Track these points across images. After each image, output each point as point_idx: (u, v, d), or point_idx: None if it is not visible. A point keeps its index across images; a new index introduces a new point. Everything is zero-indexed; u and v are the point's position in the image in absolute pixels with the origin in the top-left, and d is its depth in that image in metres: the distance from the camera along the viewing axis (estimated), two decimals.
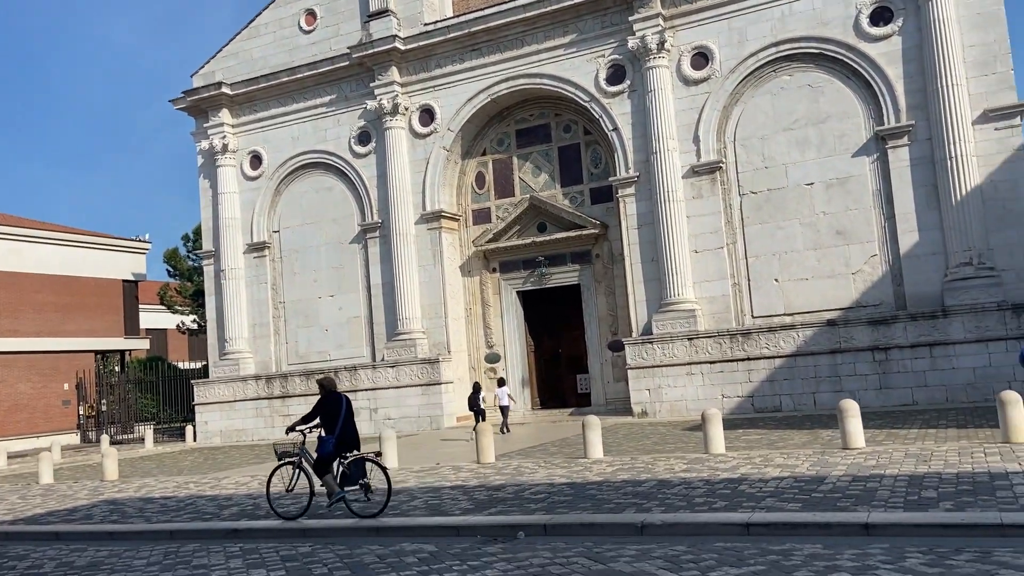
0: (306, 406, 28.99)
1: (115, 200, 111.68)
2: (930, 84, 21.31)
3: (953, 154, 20.89)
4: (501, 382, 24.86)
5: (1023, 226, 20.67)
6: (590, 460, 13.85)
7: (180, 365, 43.84)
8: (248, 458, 22.31)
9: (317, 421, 11.05)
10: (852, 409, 12.41)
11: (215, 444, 29.73)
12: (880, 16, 22.21)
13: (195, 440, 30.61)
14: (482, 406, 23.44)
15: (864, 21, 22.32)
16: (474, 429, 21.19)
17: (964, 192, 20.79)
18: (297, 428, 11.23)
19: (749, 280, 23.60)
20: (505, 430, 23.21)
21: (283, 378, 29.69)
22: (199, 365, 43.12)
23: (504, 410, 23.77)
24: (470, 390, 24.62)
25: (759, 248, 23.49)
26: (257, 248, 30.82)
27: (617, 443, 17.37)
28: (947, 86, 20.95)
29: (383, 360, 28.19)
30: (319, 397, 11.24)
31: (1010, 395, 11.75)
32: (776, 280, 23.27)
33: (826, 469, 10.83)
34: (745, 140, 23.79)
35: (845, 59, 22.54)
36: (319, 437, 10.97)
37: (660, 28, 24.33)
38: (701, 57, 24.32)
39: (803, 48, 23.07)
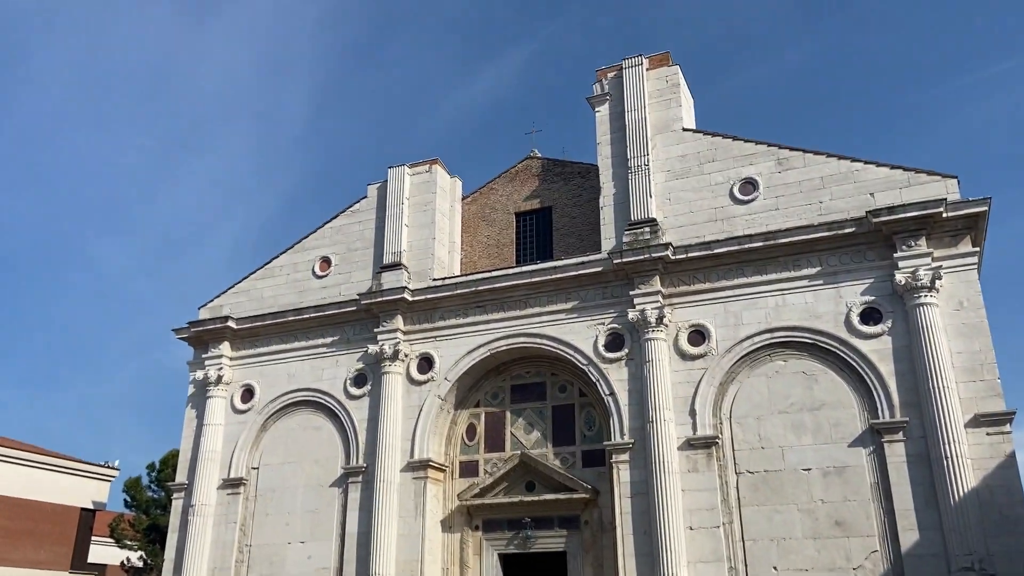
0: None
1: (78, 423, 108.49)
2: (922, 384, 22.10)
3: (948, 454, 21.16)
4: None
5: (1020, 534, 20.44)
6: None
7: None
8: None
9: None
10: None
11: None
12: (870, 316, 23.56)
13: None
14: None
15: (855, 319, 23.62)
16: None
17: (961, 494, 20.78)
18: None
19: (747, 565, 22.70)
20: None
21: None
22: None
23: None
24: None
25: (757, 531, 22.89)
26: (232, 484, 29.62)
27: None
28: (938, 388, 21.72)
29: None
30: None
31: None
32: (775, 568, 22.42)
33: None
34: (741, 418, 24.11)
35: (838, 351, 23.55)
36: None
37: (660, 304, 25.57)
38: (698, 335, 25.34)
39: (797, 337, 24.16)
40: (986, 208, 22.90)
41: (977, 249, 23.39)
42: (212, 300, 32.77)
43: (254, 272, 32.75)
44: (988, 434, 21.34)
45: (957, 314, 22.61)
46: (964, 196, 23.31)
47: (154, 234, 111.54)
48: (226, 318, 31.26)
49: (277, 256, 32.66)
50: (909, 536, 21.32)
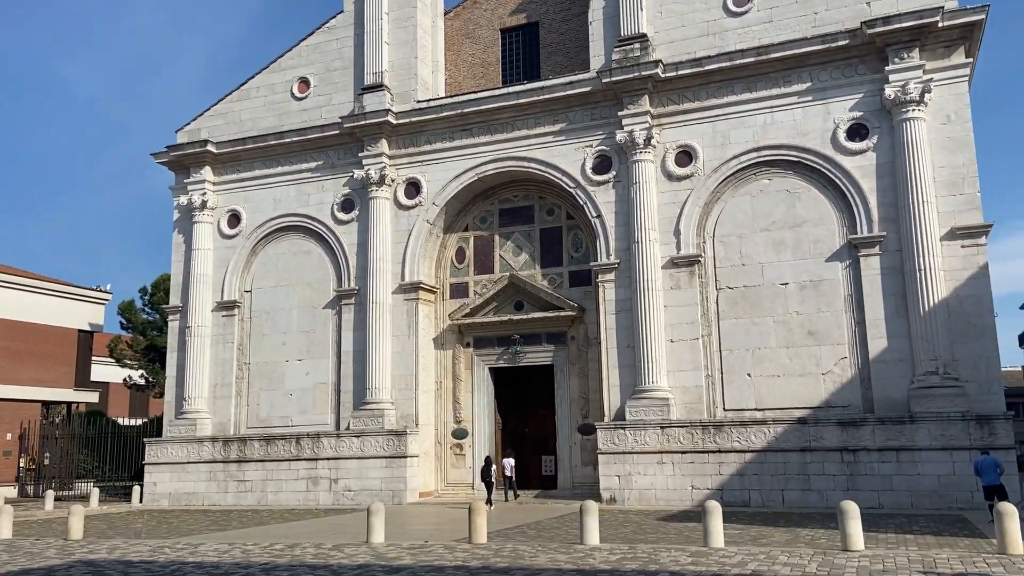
0: (263, 472, 28.37)
1: (66, 248, 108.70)
2: (902, 199, 22.57)
3: (922, 267, 21.99)
4: (508, 453, 26.42)
5: (986, 340, 21.70)
6: (588, 547, 13.77)
7: (120, 421, 42.16)
8: (204, 523, 21.47)
9: None
10: (853, 511, 12.71)
11: (163, 507, 28.49)
12: (857, 132, 23.59)
13: (141, 501, 29.30)
14: (492, 479, 24.50)
15: (841, 135, 23.66)
16: (488, 502, 23.17)
17: (931, 304, 21.81)
18: None
19: (723, 373, 24.11)
20: (515, 496, 25.96)
21: (241, 441, 28.86)
22: (140, 422, 41.56)
23: (510, 481, 25.66)
24: (481, 463, 26.17)
25: (733, 342, 24.09)
26: (227, 307, 30.35)
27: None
28: (918, 203, 22.21)
29: (348, 429, 27.71)
30: None
31: (1007, 507, 12.18)
32: (749, 375, 23.83)
33: (837, 571, 11.00)
34: (724, 237, 24.67)
35: (822, 169, 23.77)
36: None
37: (648, 125, 25.35)
38: (685, 155, 25.36)
39: (783, 155, 24.27)
40: (983, 16, 22.39)
41: (970, 60, 23.10)
42: (189, 123, 32.01)
43: (230, 94, 31.78)
44: (963, 246, 22.09)
45: (943, 128, 22.70)
46: (962, 4, 22.72)
47: (124, 53, 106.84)
48: (205, 142, 30.69)
49: (252, 77, 31.59)
50: (878, 343, 22.57)
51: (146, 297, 42.43)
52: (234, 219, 31.00)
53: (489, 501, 24.20)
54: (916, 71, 22.73)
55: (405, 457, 26.76)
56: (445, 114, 28.11)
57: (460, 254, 29.37)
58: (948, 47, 22.94)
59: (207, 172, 31.13)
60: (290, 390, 29.20)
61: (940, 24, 22.50)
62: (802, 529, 16.76)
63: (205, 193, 30.95)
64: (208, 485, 28.92)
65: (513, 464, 26.10)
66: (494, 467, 25.09)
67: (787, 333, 23.58)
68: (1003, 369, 26.95)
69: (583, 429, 26.50)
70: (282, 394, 29.30)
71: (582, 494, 25.31)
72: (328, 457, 27.63)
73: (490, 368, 28.42)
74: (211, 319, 30.41)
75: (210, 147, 30.66)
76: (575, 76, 26.80)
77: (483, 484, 24.76)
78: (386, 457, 26.91)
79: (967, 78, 23.11)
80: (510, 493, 26.10)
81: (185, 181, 31.38)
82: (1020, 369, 79.47)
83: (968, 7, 22.52)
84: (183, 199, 31.27)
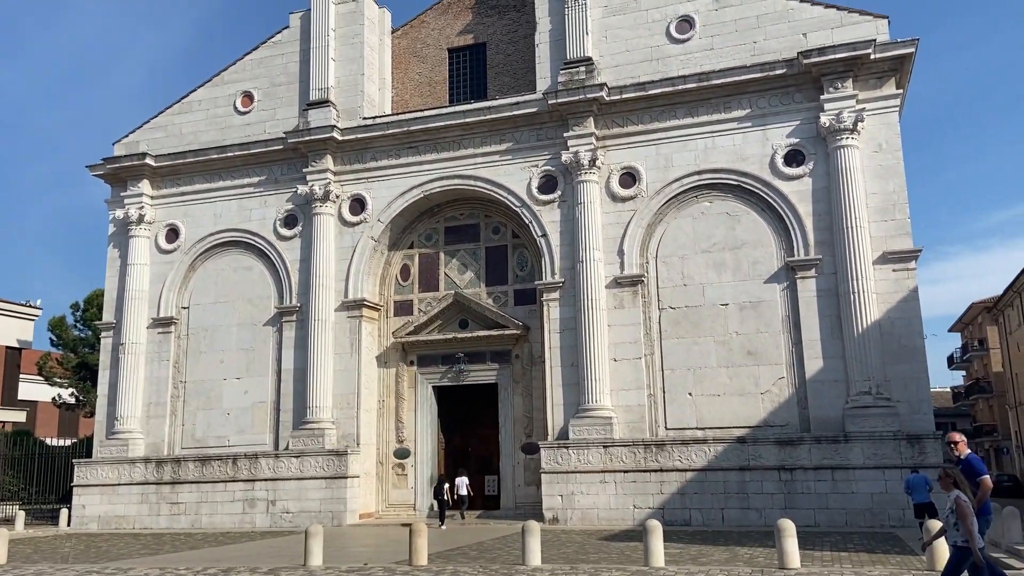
0: (198, 494, 27.55)
1: None
2: (836, 224, 23.24)
3: (855, 289, 22.65)
4: (461, 472, 26.31)
5: (916, 362, 22.42)
6: (529, 568, 13.70)
7: (48, 441, 40.58)
8: (135, 547, 20.73)
9: None
10: (789, 529, 12.92)
11: (92, 530, 27.44)
12: (794, 158, 24.27)
13: (69, 525, 28.19)
14: (445, 497, 24.55)
15: (779, 161, 24.31)
16: (440, 523, 23.75)
17: (865, 326, 22.45)
18: None
19: (664, 392, 24.38)
20: (462, 517, 25.59)
21: (175, 462, 28.03)
22: (70, 442, 40.07)
23: (462, 500, 25.51)
24: (434, 482, 26.37)
25: (675, 362, 24.40)
26: (163, 323, 29.56)
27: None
28: (851, 227, 22.90)
29: (287, 449, 27.15)
30: None
31: (936, 524, 12.50)
32: (690, 394, 24.15)
33: None
34: (666, 258, 25.04)
35: (761, 193, 24.36)
36: None
37: (593, 147, 25.67)
38: (629, 177, 25.72)
39: (724, 179, 24.81)
40: (913, 50, 23.33)
41: (900, 92, 24.02)
42: (127, 135, 31.26)
43: (170, 107, 31.17)
44: (894, 270, 22.84)
45: (875, 156, 23.50)
46: (893, 37, 23.65)
47: (57, 60, 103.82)
48: (144, 155, 29.98)
49: (195, 90, 31.05)
50: (814, 364, 23.11)
51: (78, 313, 41.10)
52: (172, 234, 30.29)
53: (442, 521, 24.03)
54: (850, 100, 23.53)
55: (346, 478, 26.32)
56: (392, 131, 28.01)
57: (405, 271, 29.19)
58: (880, 78, 23.82)
59: (145, 186, 30.41)
60: (228, 409, 28.52)
61: (872, 56, 23.36)
62: (741, 548, 16.97)
63: (143, 207, 30.20)
64: (140, 507, 27.98)
65: (467, 483, 26.04)
66: (446, 486, 24.89)
67: (727, 353, 23.98)
68: (932, 390, 27.90)
69: (526, 448, 26.46)
70: (219, 413, 28.60)
71: (525, 514, 25.19)
72: (266, 478, 27.01)
73: (434, 386, 28.23)
74: (146, 336, 29.58)
75: (149, 160, 29.96)
76: (522, 97, 27.02)
77: (435, 504, 24.66)
78: (326, 478, 26.43)
79: (898, 108, 24.02)
80: (467, 513, 25.98)
81: (122, 194, 30.58)
82: (949, 390, 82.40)
83: (899, 40, 23.46)
84: (119, 213, 30.44)
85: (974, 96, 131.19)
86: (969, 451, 10.82)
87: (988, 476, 10.42)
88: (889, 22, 23.89)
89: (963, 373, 77.75)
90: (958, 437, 10.82)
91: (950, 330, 75.74)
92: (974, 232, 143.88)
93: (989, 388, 66.01)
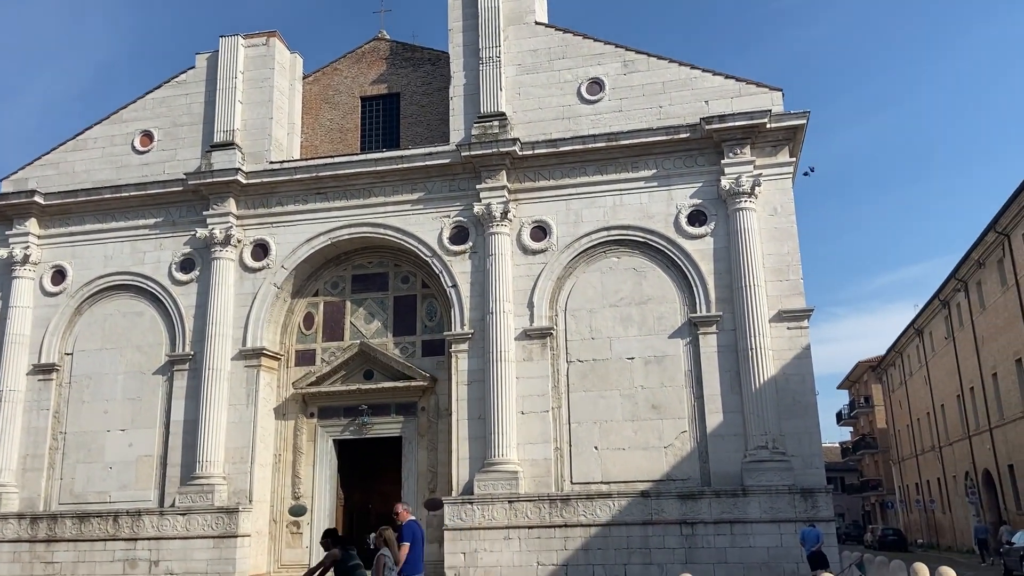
0: (75, 553, 25.57)
1: None
2: (735, 282, 24.08)
3: (753, 346, 23.39)
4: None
5: (809, 417, 23.22)
6: None
7: None
8: None
9: None
10: None
11: None
12: (697, 218, 25.13)
13: None
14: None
15: (683, 220, 25.11)
16: None
17: (761, 381, 23.15)
18: None
19: (571, 445, 24.32)
20: None
21: (52, 519, 25.99)
22: None
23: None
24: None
25: (582, 415, 24.46)
26: (44, 370, 27.68)
27: None
28: (749, 286, 23.77)
29: (173, 506, 25.59)
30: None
31: None
32: (596, 447, 24.18)
33: None
34: (575, 311, 25.28)
35: (666, 250, 25.04)
36: None
37: (505, 199, 25.89)
38: (540, 230, 26.01)
39: (631, 236, 25.39)
40: (804, 121, 24.74)
41: (794, 159, 25.38)
42: (15, 172, 29.62)
43: (64, 143, 29.77)
44: (788, 328, 23.74)
45: (771, 219, 24.60)
46: (787, 109, 25.05)
47: None
48: (32, 192, 28.40)
49: (91, 127, 29.77)
50: (715, 418, 23.61)
51: None
52: (59, 275, 28.62)
53: None
54: (748, 166, 24.65)
55: (236, 536, 24.92)
56: (299, 176, 27.51)
57: (308, 320, 28.40)
58: (775, 146, 25.10)
59: (32, 224, 28.73)
60: (110, 463, 26.75)
61: (768, 125, 24.63)
62: None
63: (28, 247, 28.48)
64: (11, 567, 25.68)
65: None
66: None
67: (632, 407, 24.23)
68: (823, 445, 28.93)
69: (429, 504, 25.73)
70: (100, 467, 26.78)
71: (427, 573, 24.44)
72: (149, 537, 25.32)
73: (335, 440, 27.30)
74: (25, 383, 27.63)
75: (37, 198, 28.38)
76: (435, 148, 27.10)
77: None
78: (215, 537, 24.96)
79: (791, 175, 25.33)
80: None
81: (7, 233, 28.78)
82: (838, 445, 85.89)
83: (792, 112, 24.87)
84: (3, 252, 28.60)
85: (863, 166, 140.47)
86: (411, 518, 13.73)
87: (407, 544, 13.20)
88: (783, 94, 25.31)
89: (851, 429, 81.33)
90: (401, 508, 13.98)
91: (838, 387, 79.31)
92: (860, 294, 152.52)
93: (875, 444, 69.13)
